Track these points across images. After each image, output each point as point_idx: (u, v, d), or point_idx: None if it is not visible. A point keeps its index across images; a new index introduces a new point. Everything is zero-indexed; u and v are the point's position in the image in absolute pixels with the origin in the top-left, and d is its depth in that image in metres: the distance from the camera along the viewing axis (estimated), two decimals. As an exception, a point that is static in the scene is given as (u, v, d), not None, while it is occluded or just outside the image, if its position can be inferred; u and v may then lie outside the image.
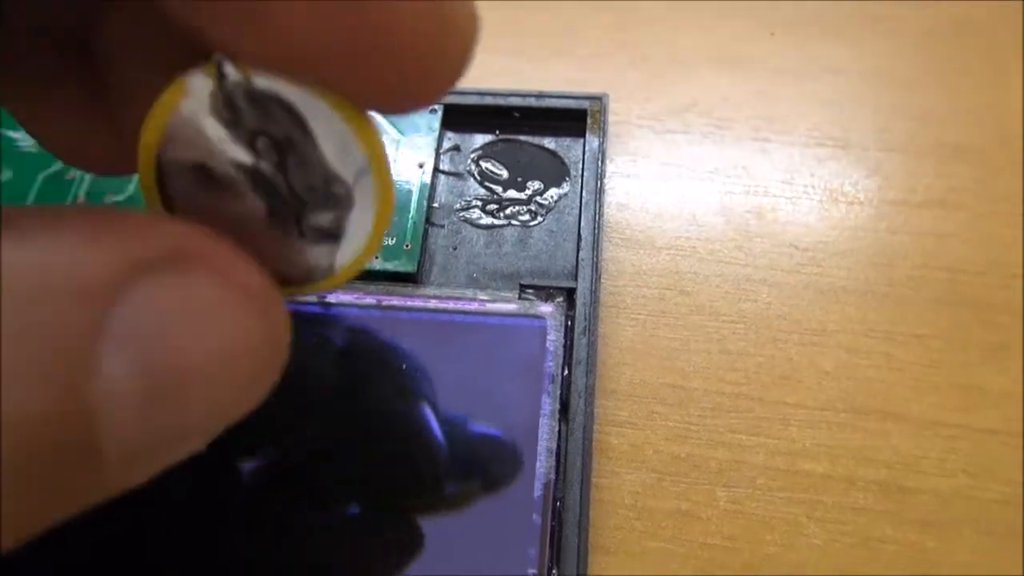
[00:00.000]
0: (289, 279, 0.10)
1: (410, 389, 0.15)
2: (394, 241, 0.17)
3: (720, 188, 0.19)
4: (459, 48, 0.08)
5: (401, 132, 0.18)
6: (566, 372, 0.15)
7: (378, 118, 0.18)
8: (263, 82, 0.08)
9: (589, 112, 0.19)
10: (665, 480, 0.15)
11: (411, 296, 0.16)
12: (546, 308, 0.16)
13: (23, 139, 0.19)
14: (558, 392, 0.15)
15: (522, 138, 0.19)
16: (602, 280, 0.17)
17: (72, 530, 0.07)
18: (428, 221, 0.17)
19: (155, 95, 0.08)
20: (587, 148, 0.18)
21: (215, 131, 0.09)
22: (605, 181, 0.18)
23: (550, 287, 0.16)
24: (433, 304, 0.16)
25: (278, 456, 0.15)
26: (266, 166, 0.09)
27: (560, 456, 0.14)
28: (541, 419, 0.15)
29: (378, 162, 0.09)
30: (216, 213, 0.09)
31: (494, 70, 0.20)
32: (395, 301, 0.16)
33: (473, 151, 0.19)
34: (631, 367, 0.16)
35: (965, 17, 0.22)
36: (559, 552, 0.13)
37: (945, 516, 0.15)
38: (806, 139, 0.20)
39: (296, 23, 0.07)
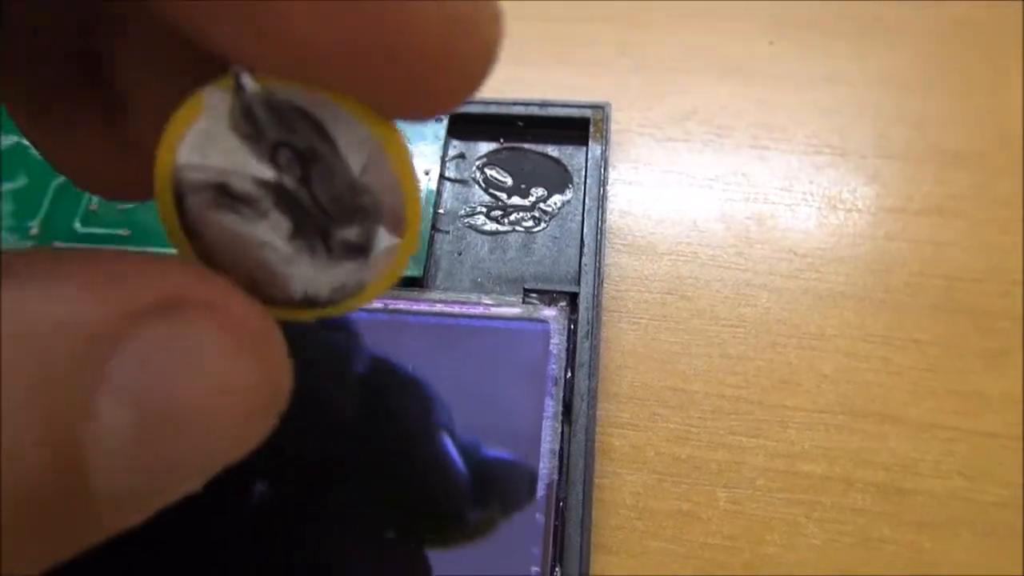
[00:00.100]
0: (317, 299, 0.09)
1: (416, 393, 0.15)
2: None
3: (720, 195, 0.19)
4: (479, 50, 0.08)
5: (407, 140, 0.19)
6: (569, 375, 0.15)
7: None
8: (282, 92, 0.08)
9: (592, 121, 0.19)
10: (666, 481, 0.15)
11: (417, 300, 0.16)
12: (549, 312, 0.16)
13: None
14: (561, 394, 0.15)
15: (526, 146, 0.19)
16: (604, 285, 0.17)
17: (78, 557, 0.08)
18: (434, 227, 0.18)
19: (168, 111, 0.08)
20: (590, 156, 0.18)
21: (235, 146, 0.08)
22: (607, 188, 0.18)
23: (553, 292, 0.17)
24: (439, 308, 0.16)
25: (287, 473, 0.15)
26: (289, 180, 0.08)
27: (563, 457, 0.15)
28: (544, 421, 0.15)
29: (404, 169, 0.09)
30: (238, 234, 0.09)
31: (496, 78, 0.20)
32: (401, 305, 0.16)
33: (478, 159, 0.19)
34: (633, 370, 0.17)
35: (965, 18, 0.22)
36: (562, 551, 0.14)
37: (941, 517, 0.15)
38: (805, 147, 0.20)
39: (297, 22, 0.07)
